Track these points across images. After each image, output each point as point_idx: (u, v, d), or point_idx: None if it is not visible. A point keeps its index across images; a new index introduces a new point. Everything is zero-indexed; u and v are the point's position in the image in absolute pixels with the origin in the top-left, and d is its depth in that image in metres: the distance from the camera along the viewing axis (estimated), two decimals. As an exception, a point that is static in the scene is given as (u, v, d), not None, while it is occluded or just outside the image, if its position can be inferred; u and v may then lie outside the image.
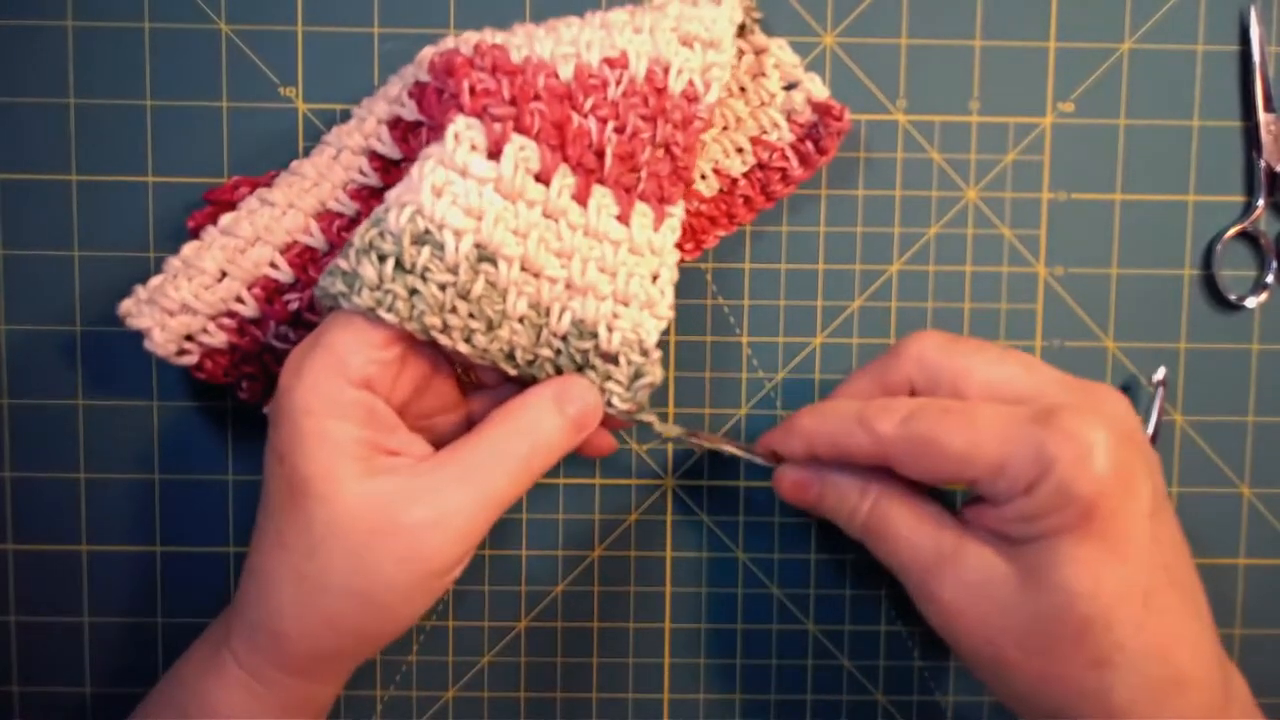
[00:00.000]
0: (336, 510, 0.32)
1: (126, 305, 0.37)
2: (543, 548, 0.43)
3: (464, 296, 0.33)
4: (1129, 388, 0.43)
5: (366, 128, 0.38)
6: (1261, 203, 0.42)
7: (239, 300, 0.38)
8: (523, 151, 0.34)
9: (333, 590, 0.32)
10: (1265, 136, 0.42)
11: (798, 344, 0.43)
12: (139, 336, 0.37)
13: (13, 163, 0.41)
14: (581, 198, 0.35)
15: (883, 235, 0.42)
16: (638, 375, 0.36)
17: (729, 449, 0.39)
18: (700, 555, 0.43)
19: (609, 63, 0.36)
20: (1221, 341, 0.43)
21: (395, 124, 0.38)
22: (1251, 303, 0.42)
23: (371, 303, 0.33)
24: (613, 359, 0.36)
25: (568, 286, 0.35)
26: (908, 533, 0.35)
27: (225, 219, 0.38)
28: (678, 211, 0.38)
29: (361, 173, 0.38)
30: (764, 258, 0.42)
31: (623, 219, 0.36)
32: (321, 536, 0.32)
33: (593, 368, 0.36)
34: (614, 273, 0.36)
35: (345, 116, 0.40)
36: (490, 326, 0.34)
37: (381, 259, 0.33)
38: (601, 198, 0.36)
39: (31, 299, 0.42)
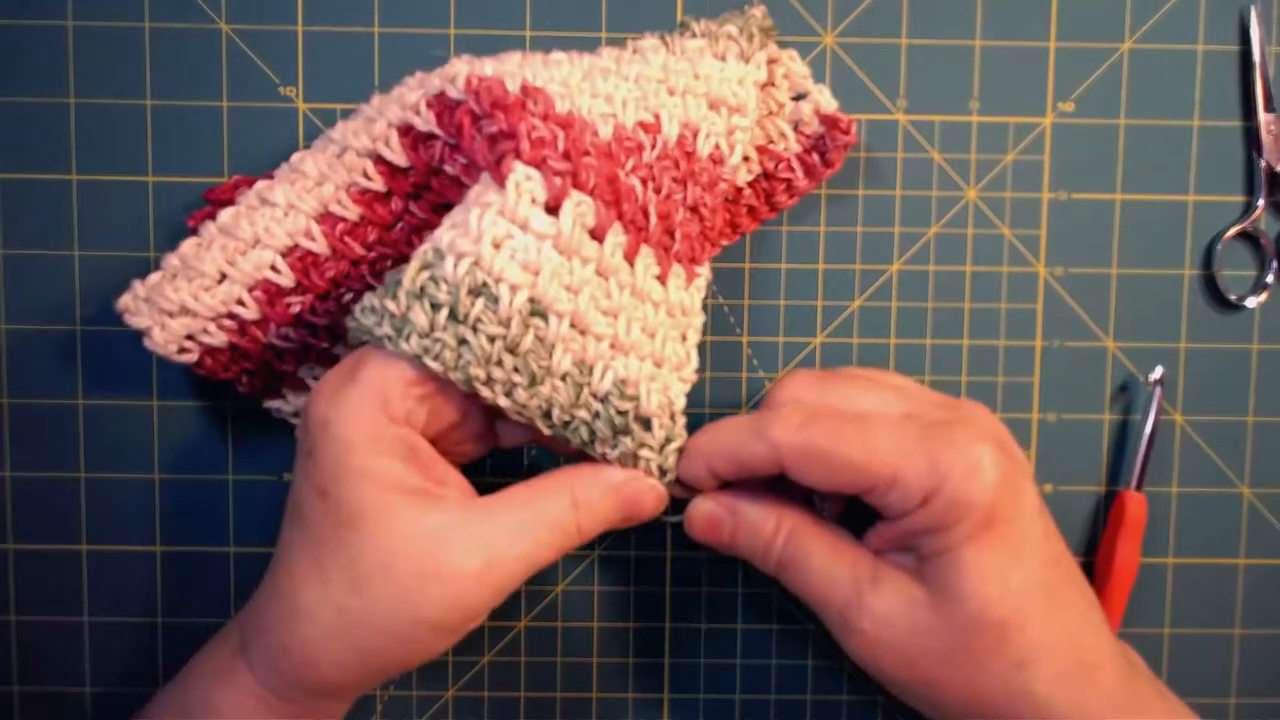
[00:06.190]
0: (387, 548, 0.32)
1: (124, 301, 0.37)
2: (543, 548, 0.43)
3: (512, 350, 0.33)
4: (1128, 388, 0.43)
5: (375, 130, 0.37)
6: (1261, 203, 0.42)
7: (239, 303, 0.37)
8: (579, 207, 0.33)
9: (374, 627, 0.32)
10: (1265, 136, 0.42)
11: (798, 344, 0.43)
12: (139, 336, 0.37)
13: (13, 163, 0.41)
14: (630, 256, 0.35)
15: (883, 235, 0.42)
16: (668, 440, 0.35)
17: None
18: (700, 555, 0.43)
19: (644, 127, 0.36)
20: (1221, 341, 0.43)
21: (406, 131, 0.37)
22: (1251, 303, 0.42)
23: (419, 350, 0.32)
24: (646, 423, 0.35)
25: (612, 345, 0.34)
26: (824, 565, 0.35)
27: (224, 216, 0.38)
28: (705, 271, 0.38)
29: (366, 176, 0.37)
30: (764, 258, 0.42)
31: (661, 279, 0.36)
32: (368, 572, 0.32)
33: (629, 433, 0.35)
34: (653, 333, 0.36)
35: (346, 116, 0.39)
36: (533, 381, 0.33)
37: (435, 307, 0.32)
38: (646, 257, 0.35)
39: (31, 299, 0.42)
